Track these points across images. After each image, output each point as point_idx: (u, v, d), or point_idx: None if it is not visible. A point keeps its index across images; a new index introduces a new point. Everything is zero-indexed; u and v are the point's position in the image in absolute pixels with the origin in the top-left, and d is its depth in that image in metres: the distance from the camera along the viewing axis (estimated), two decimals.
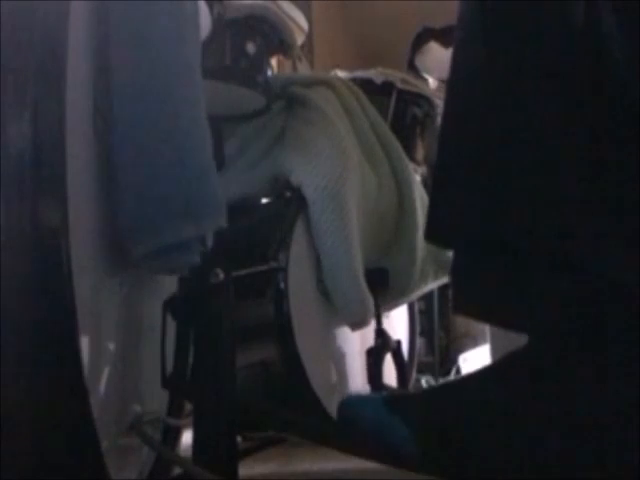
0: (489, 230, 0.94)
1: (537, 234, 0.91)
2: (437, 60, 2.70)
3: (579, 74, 0.90)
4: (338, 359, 1.79)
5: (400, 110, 2.20)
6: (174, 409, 1.25)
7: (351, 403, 1.12)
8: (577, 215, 0.89)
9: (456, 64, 0.99)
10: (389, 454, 1.01)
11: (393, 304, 1.93)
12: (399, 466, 1.04)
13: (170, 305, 1.14)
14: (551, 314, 0.94)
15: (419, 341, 2.24)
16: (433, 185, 1.03)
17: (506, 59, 0.93)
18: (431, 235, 1.02)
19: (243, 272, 1.58)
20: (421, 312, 2.31)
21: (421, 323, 2.27)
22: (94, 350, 0.97)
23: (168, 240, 1.01)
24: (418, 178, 2.07)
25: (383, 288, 1.78)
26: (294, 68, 2.09)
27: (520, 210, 0.92)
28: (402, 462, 1.02)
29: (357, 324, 1.76)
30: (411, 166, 2.02)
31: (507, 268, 0.96)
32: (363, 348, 1.78)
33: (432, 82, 2.69)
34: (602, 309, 0.91)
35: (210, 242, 1.11)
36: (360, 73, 2.27)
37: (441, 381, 2.55)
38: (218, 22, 1.54)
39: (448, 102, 1.00)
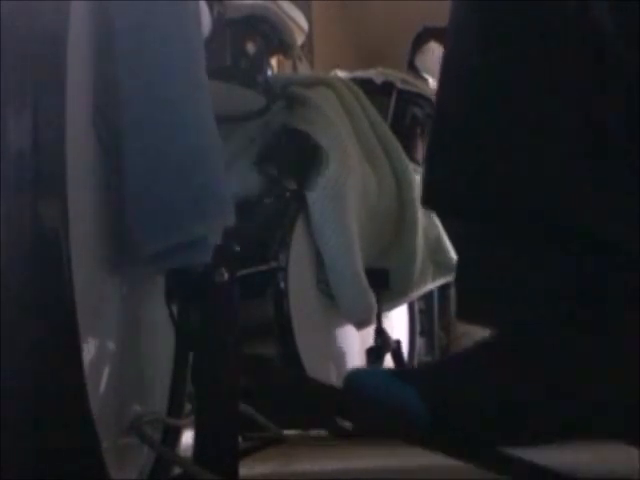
0: (485, 195, 0.94)
1: (537, 200, 0.91)
2: (437, 60, 2.69)
3: (571, 41, 0.91)
4: (338, 358, 1.79)
5: (400, 110, 2.20)
6: (174, 409, 1.25)
7: (357, 374, 1.11)
8: (578, 182, 0.90)
9: (451, 37, 0.99)
10: (397, 420, 1.00)
11: (393, 304, 1.93)
12: (406, 434, 1.02)
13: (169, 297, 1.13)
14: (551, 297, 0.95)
15: (419, 341, 2.23)
16: (428, 150, 1.03)
17: (501, 27, 0.94)
18: (426, 200, 1.02)
19: (243, 272, 1.58)
20: (421, 312, 2.31)
21: (421, 323, 2.27)
22: (94, 350, 0.97)
23: (178, 239, 1.01)
24: (418, 178, 2.07)
25: (383, 288, 1.78)
26: (294, 68, 2.09)
27: (519, 173, 0.92)
28: (409, 428, 1.00)
29: (361, 323, 1.77)
30: (411, 166, 2.02)
31: (508, 266, 0.96)
32: (363, 347, 1.78)
33: (432, 82, 2.68)
34: (604, 296, 0.91)
35: (219, 240, 1.10)
36: (360, 73, 2.27)
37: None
38: (218, 22, 1.54)
39: (445, 70, 1.01)
